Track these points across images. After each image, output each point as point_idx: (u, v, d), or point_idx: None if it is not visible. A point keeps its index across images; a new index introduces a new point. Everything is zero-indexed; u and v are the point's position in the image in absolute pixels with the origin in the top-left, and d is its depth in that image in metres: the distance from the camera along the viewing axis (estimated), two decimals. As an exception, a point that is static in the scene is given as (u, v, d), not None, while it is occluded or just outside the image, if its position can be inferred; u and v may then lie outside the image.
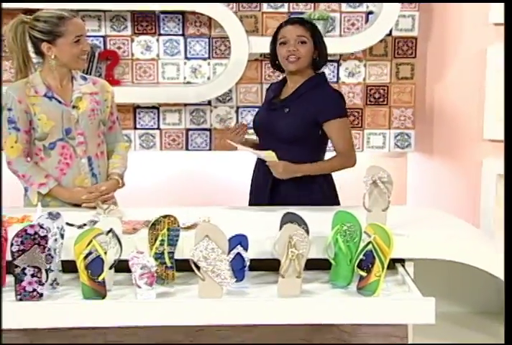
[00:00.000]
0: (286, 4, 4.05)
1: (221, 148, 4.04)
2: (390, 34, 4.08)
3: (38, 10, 3.01)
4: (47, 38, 2.91)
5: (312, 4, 4.07)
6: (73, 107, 2.99)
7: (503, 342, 2.27)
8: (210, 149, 4.14)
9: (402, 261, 2.50)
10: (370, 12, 4.09)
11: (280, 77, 3.32)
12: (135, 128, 4.13)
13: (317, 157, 3.14)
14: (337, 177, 3.24)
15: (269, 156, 2.97)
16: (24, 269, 2.21)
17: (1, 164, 3.17)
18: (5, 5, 3.82)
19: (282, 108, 3.10)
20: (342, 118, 3.09)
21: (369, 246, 2.29)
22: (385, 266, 2.26)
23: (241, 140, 3.12)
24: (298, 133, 3.06)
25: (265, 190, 3.11)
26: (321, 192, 3.15)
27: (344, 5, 4.09)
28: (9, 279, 2.30)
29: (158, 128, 4.14)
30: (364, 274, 2.30)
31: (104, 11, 3.98)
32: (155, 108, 4.12)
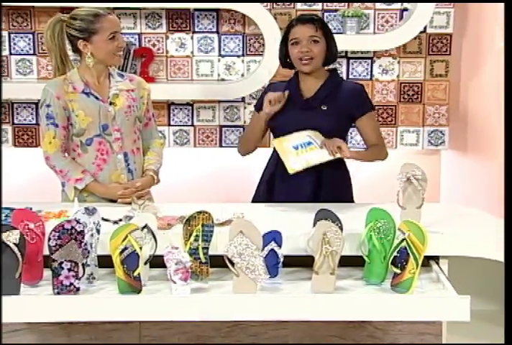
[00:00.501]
0: (320, 2, 4.05)
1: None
2: (424, 31, 4.06)
3: (75, 8, 3.05)
4: (83, 36, 2.95)
5: (346, 1, 4.06)
6: (110, 103, 3.02)
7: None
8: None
9: (436, 258, 2.49)
10: (405, 9, 4.07)
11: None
12: (169, 124, 4.16)
13: None
14: (370, 174, 3.24)
15: (318, 136, 2.97)
16: (61, 263, 2.25)
17: (1, 162, 3.20)
18: (42, 4, 3.87)
19: (318, 106, 3.08)
20: (373, 111, 3.16)
21: (404, 244, 2.29)
22: (419, 263, 2.26)
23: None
24: (336, 129, 3.07)
25: (306, 188, 3.08)
26: (351, 187, 3.20)
27: (378, 2, 4.08)
28: (47, 273, 2.33)
29: (192, 124, 4.17)
30: (398, 271, 2.30)
31: (140, 9, 4.02)
32: (189, 104, 4.14)
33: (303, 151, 2.94)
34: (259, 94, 4.08)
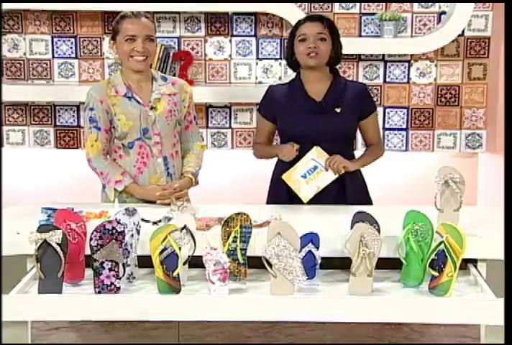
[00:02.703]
0: (358, 5, 4.05)
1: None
2: (462, 34, 4.04)
3: (117, 13, 3.10)
4: (112, 34, 3.03)
5: (383, 4, 4.06)
6: (151, 108, 3.05)
7: None
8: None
9: (474, 261, 2.49)
10: (443, 12, 4.06)
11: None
12: (207, 127, 4.19)
13: (351, 151, 3.20)
14: (407, 176, 3.23)
15: (321, 154, 3.01)
16: (103, 263, 2.29)
17: (1, 163, 3.21)
18: (85, 8, 3.93)
19: (332, 109, 3.08)
20: (376, 111, 3.20)
21: (442, 246, 2.29)
22: (458, 266, 2.26)
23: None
24: (350, 130, 3.12)
25: (331, 190, 3.09)
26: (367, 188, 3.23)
27: (415, 5, 4.07)
28: (88, 272, 2.37)
29: (230, 127, 4.20)
30: (436, 274, 2.30)
31: (179, 13, 4.06)
32: (227, 107, 4.17)
33: (311, 178, 3.03)
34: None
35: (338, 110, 3.08)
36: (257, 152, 3.30)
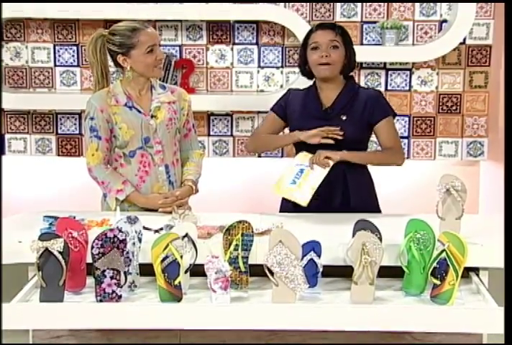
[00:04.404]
0: (359, 13, 4.06)
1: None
2: (463, 42, 4.05)
3: (119, 21, 3.10)
4: (122, 50, 2.99)
5: (385, 13, 4.07)
6: (152, 116, 3.06)
7: None
8: (282, 156, 4.17)
9: (476, 270, 2.48)
10: (444, 21, 4.07)
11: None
12: (209, 135, 4.19)
13: None
14: (408, 184, 3.23)
15: (305, 157, 2.99)
16: (104, 271, 2.28)
17: (1, 169, 3.20)
18: (87, 16, 3.94)
19: (338, 116, 3.08)
20: (390, 117, 3.13)
21: (443, 255, 2.29)
22: (459, 274, 2.26)
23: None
24: (357, 138, 3.08)
25: (336, 196, 3.10)
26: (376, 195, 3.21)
27: (417, 13, 4.08)
28: (90, 280, 2.37)
29: (231, 135, 4.20)
30: (437, 282, 2.30)
31: (181, 21, 4.07)
32: (229, 115, 4.18)
33: (301, 182, 2.98)
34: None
35: (344, 117, 3.07)
36: (258, 141, 3.23)
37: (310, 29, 3.13)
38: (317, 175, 2.97)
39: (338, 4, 4.05)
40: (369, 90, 3.22)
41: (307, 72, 3.16)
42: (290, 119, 3.17)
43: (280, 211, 3.20)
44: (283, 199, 3.17)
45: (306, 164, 2.99)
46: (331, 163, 2.96)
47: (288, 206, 3.10)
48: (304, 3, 4.04)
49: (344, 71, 3.12)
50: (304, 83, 3.85)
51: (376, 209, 3.17)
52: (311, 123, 3.07)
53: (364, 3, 4.06)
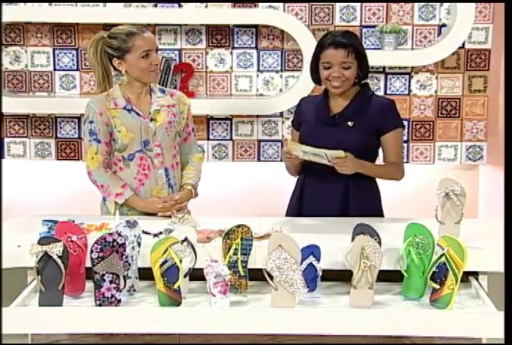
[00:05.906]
0: (358, 17, 4.07)
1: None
2: (462, 46, 4.06)
3: (118, 25, 3.11)
4: (117, 54, 2.99)
5: (384, 17, 4.08)
6: (151, 120, 3.06)
7: None
8: (281, 160, 4.16)
9: (476, 274, 2.48)
10: (443, 25, 4.08)
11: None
12: (208, 139, 4.20)
13: None
14: (407, 188, 3.22)
15: (339, 154, 2.93)
16: (103, 275, 2.28)
17: (1, 173, 3.18)
18: (86, 21, 3.95)
19: (344, 123, 3.06)
20: (399, 128, 3.10)
21: (443, 259, 2.29)
22: (459, 279, 2.26)
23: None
24: (362, 146, 3.04)
25: (336, 201, 3.09)
26: (380, 198, 3.18)
27: (416, 18, 4.08)
28: (89, 285, 2.37)
29: (231, 139, 4.20)
30: (437, 286, 2.29)
31: (180, 25, 4.08)
32: (228, 119, 4.18)
33: (309, 153, 2.94)
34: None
35: (350, 124, 3.05)
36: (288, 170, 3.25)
37: (322, 44, 3.04)
38: (321, 160, 2.93)
39: (337, 9, 4.06)
40: (382, 99, 3.18)
41: (318, 80, 3.12)
42: (302, 124, 3.17)
43: (287, 213, 3.20)
44: (291, 199, 3.17)
45: (328, 155, 2.91)
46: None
47: (294, 206, 3.12)
48: (303, 8, 4.05)
49: (356, 82, 3.08)
50: (304, 87, 3.89)
51: (378, 213, 3.16)
52: (317, 129, 3.08)
53: (364, 8, 4.07)
